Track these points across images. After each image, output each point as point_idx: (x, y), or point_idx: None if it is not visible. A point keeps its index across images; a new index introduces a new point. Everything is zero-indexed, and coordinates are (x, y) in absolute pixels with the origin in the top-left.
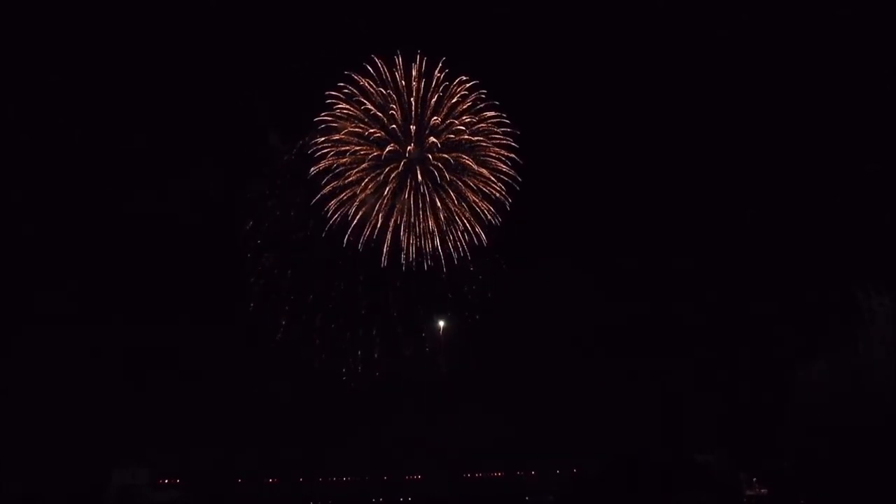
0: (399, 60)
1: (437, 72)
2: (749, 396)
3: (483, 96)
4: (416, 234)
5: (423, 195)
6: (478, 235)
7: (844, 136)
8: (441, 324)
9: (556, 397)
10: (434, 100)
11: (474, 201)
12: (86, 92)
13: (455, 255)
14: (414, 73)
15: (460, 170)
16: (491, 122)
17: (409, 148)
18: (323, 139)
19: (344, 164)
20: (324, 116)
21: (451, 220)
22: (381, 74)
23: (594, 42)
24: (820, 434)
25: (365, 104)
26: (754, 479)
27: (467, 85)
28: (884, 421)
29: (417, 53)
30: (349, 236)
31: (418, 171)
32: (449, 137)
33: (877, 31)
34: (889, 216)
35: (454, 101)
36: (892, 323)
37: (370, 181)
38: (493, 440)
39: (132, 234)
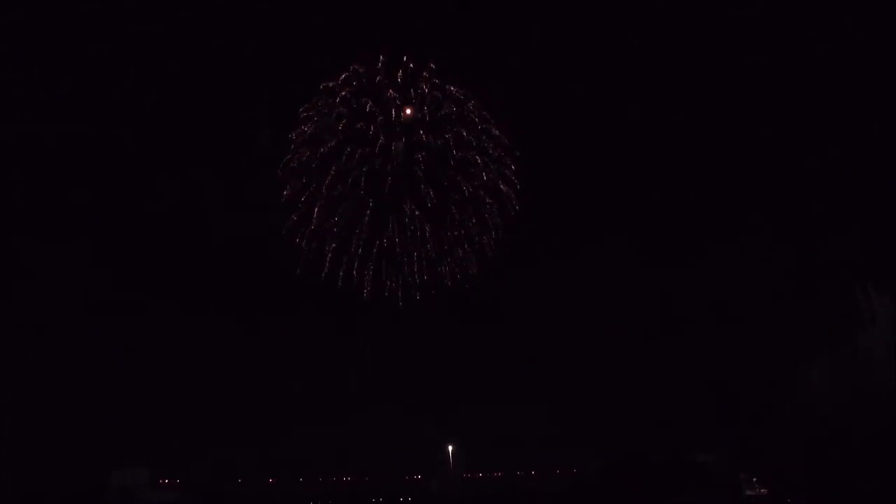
0: (381, 66)
1: (423, 84)
2: (749, 397)
3: (473, 107)
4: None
5: (410, 220)
6: (470, 260)
7: (845, 137)
8: (450, 448)
9: (555, 397)
10: (421, 111)
11: (470, 223)
12: (84, 92)
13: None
14: (400, 80)
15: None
16: (483, 135)
17: (393, 163)
18: (299, 156)
19: (322, 181)
20: (302, 130)
21: (442, 249)
22: (362, 81)
23: (592, 44)
24: (820, 434)
25: (345, 117)
26: (754, 479)
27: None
28: (884, 420)
29: (404, 59)
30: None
31: (403, 190)
32: (437, 151)
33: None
34: (889, 216)
35: (442, 112)
36: (892, 323)
37: (349, 202)
38: (493, 440)
39: (129, 235)
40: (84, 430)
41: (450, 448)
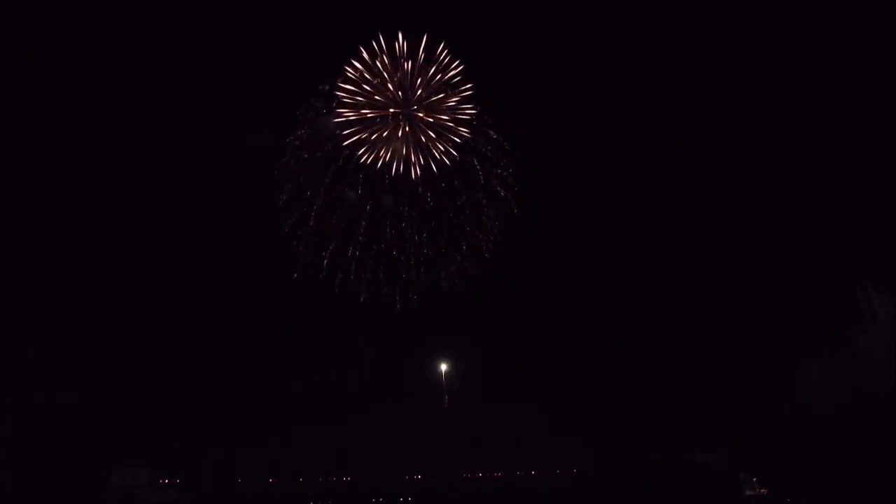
0: (380, 66)
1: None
2: (749, 396)
3: (474, 109)
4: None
5: (408, 222)
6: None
7: (845, 137)
8: (443, 367)
9: (556, 398)
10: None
11: (468, 225)
12: (84, 92)
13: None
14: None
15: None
16: (482, 136)
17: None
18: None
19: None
20: (300, 132)
21: (439, 251)
22: (360, 83)
23: (592, 44)
24: (820, 434)
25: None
26: (754, 479)
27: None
28: (884, 420)
29: (402, 60)
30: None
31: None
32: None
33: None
34: (889, 216)
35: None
36: (892, 323)
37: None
38: (493, 440)
39: (129, 235)
40: (84, 430)
41: (443, 367)
